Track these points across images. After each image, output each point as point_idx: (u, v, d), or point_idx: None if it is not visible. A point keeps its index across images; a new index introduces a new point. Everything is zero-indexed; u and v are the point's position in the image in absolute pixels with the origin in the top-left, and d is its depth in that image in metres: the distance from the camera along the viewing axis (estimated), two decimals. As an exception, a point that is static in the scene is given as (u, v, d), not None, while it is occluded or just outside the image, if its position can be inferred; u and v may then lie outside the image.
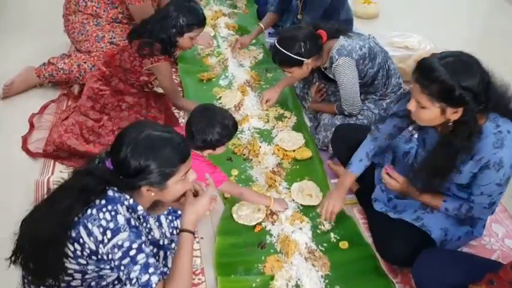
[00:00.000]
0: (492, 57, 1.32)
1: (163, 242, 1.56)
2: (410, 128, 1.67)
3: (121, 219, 1.12)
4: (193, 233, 1.27)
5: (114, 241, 1.11)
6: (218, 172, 1.73)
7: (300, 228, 1.80)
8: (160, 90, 2.38)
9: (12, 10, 3.50)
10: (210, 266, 1.67)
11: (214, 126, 1.61)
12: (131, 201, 1.19)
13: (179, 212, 1.60)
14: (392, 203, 1.76)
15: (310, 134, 2.30)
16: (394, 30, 3.01)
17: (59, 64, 2.49)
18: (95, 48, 2.53)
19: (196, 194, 1.34)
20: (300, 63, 2.01)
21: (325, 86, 2.40)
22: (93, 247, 1.13)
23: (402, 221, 1.64)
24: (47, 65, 2.53)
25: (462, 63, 1.30)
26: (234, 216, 1.84)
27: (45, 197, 1.23)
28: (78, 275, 1.20)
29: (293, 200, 1.93)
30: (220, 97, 2.54)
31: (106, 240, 1.11)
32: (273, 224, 1.82)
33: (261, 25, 2.78)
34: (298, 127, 2.35)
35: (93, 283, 1.25)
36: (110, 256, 1.12)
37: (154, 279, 1.13)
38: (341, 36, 2.02)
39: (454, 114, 1.34)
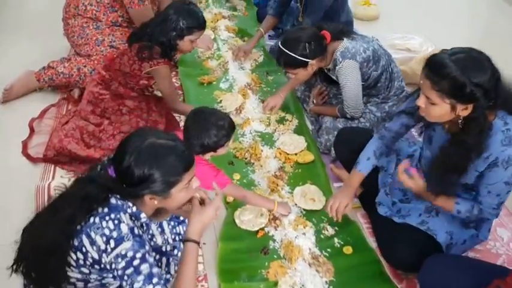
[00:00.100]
0: (492, 57, 1.32)
1: (166, 248, 1.55)
2: (417, 127, 1.66)
3: (124, 228, 1.11)
4: (198, 243, 1.25)
5: (117, 250, 1.09)
6: (221, 175, 1.71)
7: (304, 233, 1.78)
8: (160, 94, 2.37)
9: (10, 13, 3.48)
10: (213, 273, 1.65)
11: (209, 130, 1.59)
12: (134, 208, 1.18)
13: (181, 218, 1.59)
14: (396, 207, 1.74)
15: (312, 137, 2.29)
16: (394, 32, 3.01)
17: (58, 68, 2.48)
18: (95, 52, 2.51)
19: (202, 202, 1.31)
20: (304, 65, 2.00)
21: (326, 88, 2.39)
22: (96, 256, 1.11)
23: (407, 225, 1.63)
24: (46, 68, 2.51)
25: (473, 59, 1.29)
26: (237, 221, 1.83)
27: (47, 204, 1.21)
28: (80, 284, 1.19)
29: (296, 204, 1.92)
30: (221, 100, 2.52)
31: (109, 250, 1.09)
32: (276, 229, 1.80)
33: (261, 29, 2.77)
34: (299, 130, 2.34)
35: (95, 292, 1.23)
36: (113, 265, 1.10)
37: None
38: (345, 38, 2.01)
39: (464, 111, 1.33)
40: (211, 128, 1.59)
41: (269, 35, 3.09)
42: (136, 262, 1.10)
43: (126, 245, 1.10)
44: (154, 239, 1.52)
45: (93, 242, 1.10)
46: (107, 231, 1.10)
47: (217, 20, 3.32)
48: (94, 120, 2.11)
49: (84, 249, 1.11)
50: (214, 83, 2.69)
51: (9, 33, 3.18)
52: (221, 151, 1.67)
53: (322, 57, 2.02)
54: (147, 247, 1.14)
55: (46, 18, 3.24)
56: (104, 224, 1.10)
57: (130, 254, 1.10)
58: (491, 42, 3.34)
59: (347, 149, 1.86)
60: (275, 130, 2.33)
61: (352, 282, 1.64)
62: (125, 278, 1.10)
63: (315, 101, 2.38)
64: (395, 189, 1.79)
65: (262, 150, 2.17)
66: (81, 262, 1.13)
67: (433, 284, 1.42)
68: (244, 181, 2.03)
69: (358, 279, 1.65)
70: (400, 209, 1.73)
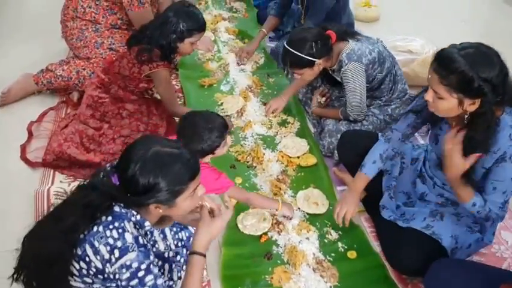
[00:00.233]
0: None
1: (168, 254, 1.52)
2: (423, 129, 1.63)
3: (129, 238, 1.09)
4: (204, 255, 1.23)
5: (122, 261, 1.07)
6: (223, 178, 1.69)
7: (307, 238, 1.76)
8: (159, 97, 2.34)
9: (8, 15, 3.46)
10: (216, 279, 1.63)
11: (201, 134, 1.56)
12: (138, 217, 1.15)
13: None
14: (400, 211, 1.73)
15: (315, 140, 2.27)
16: (395, 33, 2.99)
17: (57, 71, 2.45)
18: (94, 55, 2.49)
19: (211, 213, 1.29)
20: (311, 64, 1.98)
21: (328, 90, 2.37)
22: (99, 266, 1.09)
23: (411, 228, 1.61)
24: (45, 71, 2.49)
25: (482, 54, 1.29)
26: (239, 226, 1.81)
27: (48, 212, 1.19)
28: (82, 293, 1.16)
29: (299, 208, 1.90)
30: (222, 103, 2.51)
31: (114, 260, 1.07)
32: (280, 234, 1.78)
33: (263, 30, 2.75)
34: (301, 133, 2.32)
35: (97, 301, 1.21)
36: (117, 276, 1.08)
37: None
38: (350, 40, 2.00)
39: (471, 106, 1.32)
40: (203, 132, 1.56)
41: (270, 37, 3.08)
42: (141, 273, 1.08)
43: (131, 255, 1.07)
44: (156, 245, 1.49)
45: (96, 252, 1.08)
46: (111, 241, 1.07)
47: (217, 22, 3.30)
48: (94, 124, 2.09)
49: (87, 259, 1.09)
50: (215, 85, 2.67)
51: (7, 35, 3.16)
52: (219, 152, 1.65)
53: (328, 57, 2.00)
54: (151, 257, 1.12)
55: (44, 20, 3.22)
56: (108, 233, 1.08)
57: (135, 265, 1.08)
58: (491, 43, 3.29)
59: (351, 152, 1.85)
60: (277, 133, 2.31)
61: (356, 287, 1.62)
62: None
63: (322, 101, 2.34)
64: (399, 192, 1.78)
65: (264, 154, 2.15)
66: (84, 272, 1.11)
67: (439, 289, 1.40)
68: (247, 185, 2.01)
69: (362, 284, 1.63)
70: (404, 212, 1.71)
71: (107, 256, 1.07)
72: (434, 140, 1.62)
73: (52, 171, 2.06)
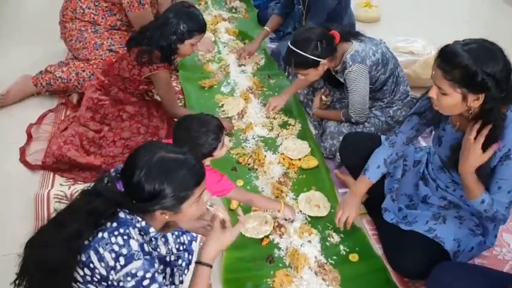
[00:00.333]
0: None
1: (170, 258, 1.51)
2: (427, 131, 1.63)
3: (134, 245, 1.07)
4: (211, 266, 1.23)
5: (127, 269, 1.06)
6: (225, 180, 1.69)
7: (309, 241, 1.75)
8: (160, 98, 2.33)
9: (6, 16, 3.44)
10: (218, 282, 1.62)
11: (196, 139, 1.54)
12: (143, 223, 1.14)
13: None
14: (403, 213, 1.72)
15: (316, 142, 2.26)
16: (395, 33, 2.99)
17: (56, 72, 2.44)
18: (94, 56, 2.48)
19: (222, 224, 1.28)
20: (316, 64, 1.96)
21: (330, 92, 2.36)
22: (104, 272, 1.08)
23: (413, 232, 1.60)
24: (44, 73, 2.48)
25: (485, 50, 1.28)
26: (241, 229, 1.79)
27: (51, 218, 1.17)
28: (86, 300, 1.15)
29: (300, 211, 1.89)
30: (222, 104, 2.49)
31: (119, 267, 1.06)
32: (281, 237, 1.77)
33: (267, 28, 2.74)
34: (303, 135, 2.31)
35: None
36: (122, 284, 1.07)
37: None
38: (354, 40, 1.98)
39: (475, 101, 1.31)
40: (199, 136, 1.55)
41: (270, 38, 3.07)
42: (146, 282, 1.07)
43: (137, 264, 1.06)
44: (158, 249, 1.47)
45: (101, 258, 1.07)
46: (116, 247, 1.06)
47: (217, 23, 3.29)
48: (94, 126, 2.08)
49: (91, 265, 1.08)
50: (215, 86, 2.66)
51: (5, 36, 3.14)
52: (218, 154, 1.63)
53: (332, 57, 1.98)
54: (156, 265, 1.11)
55: (43, 21, 3.20)
56: (113, 239, 1.07)
57: (140, 273, 1.06)
58: (492, 43, 3.34)
59: (353, 154, 1.84)
60: (278, 135, 2.30)
61: (358, 291, 1.61)
62: None
63: (328, 102, 2.32)
64: (401, 195, 1.77)
65: (265, 156, 2.14)
66: (88, 278, 1.10)
67: (442, 293, 1.39)
68: (248, 187, 2.00)
69: (364, 287, 1.62)
70: (407, 215, 1.71)
71: (111, 263, 1.06)
72: (437, 142, 1.61)
73: (52, 174, 2.05)
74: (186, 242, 1.54)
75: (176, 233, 1.54)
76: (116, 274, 1.06)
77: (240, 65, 2.82)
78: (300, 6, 2.62)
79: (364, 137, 1.95)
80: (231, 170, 2.08)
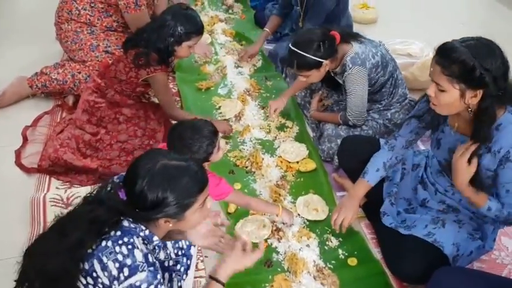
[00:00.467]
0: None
1: (169, 263, 1.50)
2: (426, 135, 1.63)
3: (139, 256, 1.06)
4: (223, 285, 1.23)
5: (131, 280, 1.04)
6: (223, 183, 1.68)
7: (308, 245, 1.74)
8: (158, 101, 2.31)
9: (1, 17, 3.40)
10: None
11: (190, 146, 1.52)
12: (147, 232, 1.13)
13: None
14: (401, 217, 1.72)
15: (314, 145, 2.25)
16: (392, 35, 2.98)
17: (52, 74, 2.42)
18: (90, 58, 2.46)
19: (244, 246, 1.29)
20: (318, 65, 1.93)
21: (327, 94, 2.35)
22: (106, 282, 1.06)
23: (412, 236, 1.60)
24: (39, 75, 2.45)
25: (484, 46, 1.30)
26: (239, 233, 1.78)
27: (52, 225, 1.14)
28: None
29: (298, 214, 1.88)
30: (219, 106, 2.48)
31: (122, 278, 1.04)
32: (280, 241, 1.76)
33: (267, 30, 2.73)
34: (300, 137, 2.30)
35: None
36: None
37: None
38: (354, 42, 1.97)
39: (473, 98, 1.32)
40: (192, 143, 1.52)
41: (267, 39, 3.04)
42: None
43: (141, 276, 1.05)
44: (157, 254, 1.47)
45: (104, 268, 1.05)
46: (120, 257, 1.05)
47: (214, 23, 3.27)
48: (90, 129, 2.06)
49: (94, 274, 1.06)
50: (212, 88, 2.65)
51: (0, 36, 3.10)
52: (214, 158, 1.61)
53: (333, 58, 1.97)
54: (159, 276, 1.10)
55: (38, 21, 3.17)
56: (117, 248, 1.06)
57: (144, 286, 1.05)
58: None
59: (352, 157, 1.83)
60: (275, 137, 2.29)
61: (357, 295, 1.61)
62: None
63: (330, 103, 2.32)
64: (400, 198, 1.77)
65: (263, 159, 2.13)
66: (91, 287, 1.08)
67: (442, 298, 1.39)
68: (246, 191, 1.99)
69: (363, 292, 1.62)
70: (406, 219, 1.70)
71: (115, 273, 1.05)
72: (436, 145, 1.61)
73: (48, 177, 2.03)
74: (185, 246, 1.52)
75: (174, 237, 1.53)
76: (119, 285, 1.05)
77: (237, 67, 2.81)
78: (298, 7, 2.61)
79: (362, 140, 1.94)
80: (228, 173, 2.07)
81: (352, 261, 1.72)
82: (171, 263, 1.50)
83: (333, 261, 1.71)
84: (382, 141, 1.78)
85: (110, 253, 1.05)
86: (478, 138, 1.37)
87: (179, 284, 1.45)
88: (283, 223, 1.81)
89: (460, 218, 1.62)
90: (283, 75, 2.75)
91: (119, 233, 1.08)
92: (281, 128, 2.36)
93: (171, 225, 1.16)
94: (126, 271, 1.04)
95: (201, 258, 1.69)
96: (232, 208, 1.89)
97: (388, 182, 1.78)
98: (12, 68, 2.66)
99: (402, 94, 2.14)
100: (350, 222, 1.70)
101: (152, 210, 1.10)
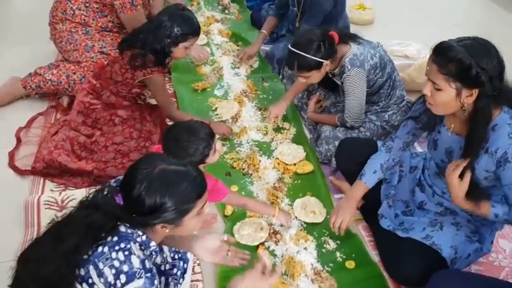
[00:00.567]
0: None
1: (165, 267, 1.48)
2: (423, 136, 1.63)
3: (136, 262, 1.04)
4: None
5: (128, 287, 1.03)
6: (220, 185, 1.66)
7: (305, 248, 1.73)
8: (154, 102, 2.29)
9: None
10: (213, 291, 1.60)
11: (186, 149, 1.51)
12: (144, 237, 1.12)
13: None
14: (399, 220, 1.71)
15: (311, 147, 2.24)
16: (389, 36, 2.98)
17: (46, 75, 2.39)
18: (85, 58, 2.43)
19: (263, 268, 1.29)
20: (319, 66, 1.92)
21: (325, 96, 2.34)
22: None
23: (410, 239, 1.59)
24: (33, 75, 2.42)
25: (480, 45, 1.31)
26: (236, 236, 1.77)
27: (47, 230, 1.12)
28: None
29: (296, 217, 1.87)
30: (216, 108, 2.46)
31: (119, 285, 1.03)
32: (277, 244, 1.75)
33: (264, 32, 2.72)
34: (298, 139, 2.29)
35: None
36: None
37: None
38: (352, 43, 1.96)
39: (468, 98, 1.32)
40: (189, 146, 1.51)
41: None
42: None
43: (138, 283, 1.03)
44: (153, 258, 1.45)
45: (100, 274, 1.03)
46: (116, 263, 1.03)
47: (210, 24, 3.26)
48: (85, 131, 2.04)
49: (90, 281, 1.04)
50: (208, 89, 2.63)
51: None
52: (210, 160, 1.60)
53: (333, 58, 1.95)
54: (156, 282, 1.08)
55: (32, 21, 3.14)
56: (114, 254, 1.04)
57: None
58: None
59: (349, 160, 1.82)
60: (273, 139, 2.28)
61: (355, 298, 1.60)
62: None
63: (328, 104, 2.31)
64: (397, 201, 1.76)
65: (260, 161, 2.12)
66: None
67: (440, 301, 1.38)
68: (243, 193, 1.98)
69: (361, 295, 1.61)
70: (403, 221, 1.70)
71: (110, 278, 1.03)
72: (433, 146, 1.60)
73: (42, 179, 2.00)
74: (181, 250, 1.51)
75: (171, 241, 1.51)
76: None
77: (233, 68, 2.80)
78: (295, 8, 2.60)
79: (360, 142, 1.93)
80: (225, 175, 2.05)
81: (350, 264, 1.71)
82: (167, 266, 1.49)
83: (331, 264, 1.70)
84: (379, 143, 1.77)
85: (106, 259, 1.03)
86: (474, 139, 1.37)
87: (175, 288, 1.44)
88: (281, 225, 1.80)
89: (457, 220, 1.61)
90: (280, 76, 2.74)
91: (115, 238, 1.06)
92: (278, 129, 2.35)
93: (167, 230, 1.14)
94: (123, 278, 1.03)
95: (198, 262, 1.68)
96: (229, 211, 1.87)
97: (386, 184, 1.77)
98: (6, 68, 2.63)
99: (400, 96, 2.14)
100: (348, 225, 1.70)
101: (150, 216, 1.08)
